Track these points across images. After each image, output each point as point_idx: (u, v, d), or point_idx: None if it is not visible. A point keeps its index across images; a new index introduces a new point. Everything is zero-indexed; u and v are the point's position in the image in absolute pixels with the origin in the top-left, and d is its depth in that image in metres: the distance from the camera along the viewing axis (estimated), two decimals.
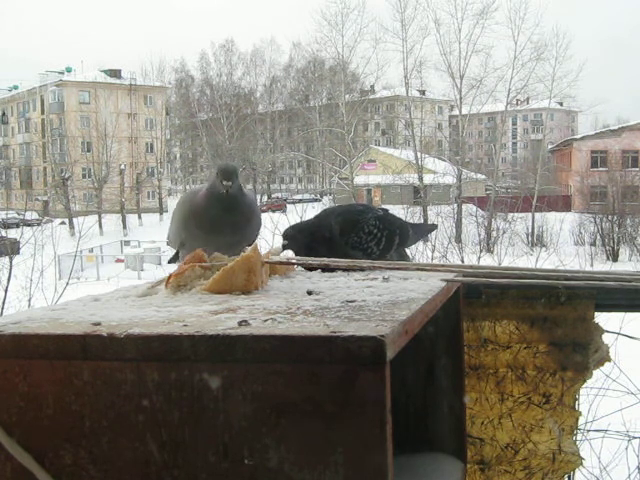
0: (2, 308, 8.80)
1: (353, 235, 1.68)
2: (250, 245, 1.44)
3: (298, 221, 1.81)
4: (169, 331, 0.86)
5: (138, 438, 0.85)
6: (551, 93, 38.73)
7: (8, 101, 62.82)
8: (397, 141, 53.69)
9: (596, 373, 1.66)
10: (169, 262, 1.74)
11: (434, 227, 2.75)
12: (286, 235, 1.66)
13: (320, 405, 0.80)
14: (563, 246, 21.88)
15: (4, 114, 62.95)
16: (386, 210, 1.86)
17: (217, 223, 1.39)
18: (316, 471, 0.81)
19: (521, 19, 37.99)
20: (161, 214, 48.13)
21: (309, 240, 1.65)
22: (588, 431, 2.05)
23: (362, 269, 1.47)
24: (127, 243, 34.69)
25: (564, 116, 64.16)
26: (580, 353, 1.60)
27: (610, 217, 27.60)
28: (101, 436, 0.87)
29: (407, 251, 1.98)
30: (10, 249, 11.27)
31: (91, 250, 28.00)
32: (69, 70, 57.39)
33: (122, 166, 48.15)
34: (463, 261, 12.97)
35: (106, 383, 0.86)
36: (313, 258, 1.51)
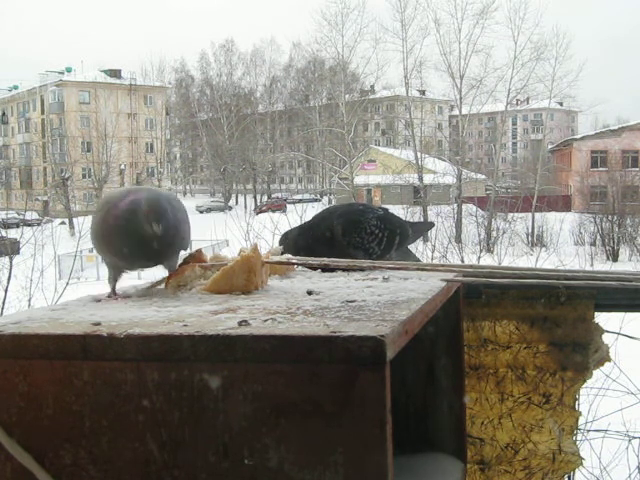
0: (2, 308, 8.80)
1: (355, 235, 1.68)
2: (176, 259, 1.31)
3: (294, 225, 1.79)
4: (169, 331, 0.86)
5: (138, 438, 0.85)
6: (551, 93, 38.75)
7: (8, 101, 62.89)
8: (397, 141, 53.72)
9: (596, 373, 1.66)
10: None
11: (431, 225, 2.76)
12: (281, 242, 1.66)
13: (320, 405, 0.80)
14: (563, 246, 21.88)
15: (4, 114, 63.00)
16: (386, 209, 1.87)
17: (134, 256, 1.22)
18: (316, 471, 0.81)
19: (521, 19, 38.04)
20: None
21: (309, 241, 1.65)
22: (588, 431, 2.05)
23: (362, 269, 1.47)
24: None
25: (564, 116, 64.22)
26: (580, 353, 1.60)
27: (610, 217, 27.58)
28: (101, 436, 0.87)
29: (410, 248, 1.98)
30: (10, 249, 11.28)
31: (91, 250, 27.90)
32: (69, 70, 57.46)
33: (122, 166, 48.19)
34: (463, 261, 12.97)
35: (106, 383, 0.86)
36: (313, 258, 1.51)
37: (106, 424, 0.86)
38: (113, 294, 1.23)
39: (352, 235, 1.68)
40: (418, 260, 2.05)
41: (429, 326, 1.37)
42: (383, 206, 2.06)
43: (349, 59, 42.56)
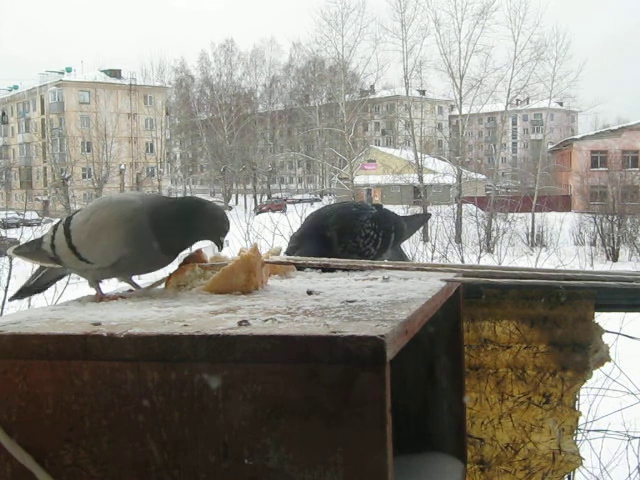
0: (2, 308, 8.80)
1: (350, 240, 1.68)
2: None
3: (294, 225, 1.78)
4: (169, 331, 0.86)
5: (138, 438, 0.85)
6: (551, 93, 38.70)
7: (8, 101, 62.89)
8: (397, 141, 53.66)
9: (596, 373, 1.66)
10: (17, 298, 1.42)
11: (428, 216, 2.71)
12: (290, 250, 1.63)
13: (320, 405, 0.80)
14: (563, 246, 21.81)
15: (4, 114, 63.00)
16: (380, 206, 1.86)
17: (176, 251, 1.28)
18: (316, 471, 0.81)
19: (521, 19, 37.92)
20: None
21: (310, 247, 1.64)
22: (588, 431, 2.05)
23: (362, 269, 1.47)
24: None
25: (564, 116, 64.17)
26: (580, 353, 1.60)
27: (610, 217, 27.53)
28: (101, 436, 0.87)
29: (407, 251, 1.98)
30: None
31: None
32: (69, 70, 57.48)
33: (122, 166, 48.12)
34: (463, 261, 12.96)
35: (106, 383, 0.86)
36: (313, 258, 1.51)
37: (106, 424, 0.86)
38: (101, 293, 1.23)
39: (347, 240, 1.68)
40: (408, 259, 2.04)
41: (429, 326, 1.37)
42: (377, 203, 2.04)
43: (349, 59, 42.51)
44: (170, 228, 1.23)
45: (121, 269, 1.26)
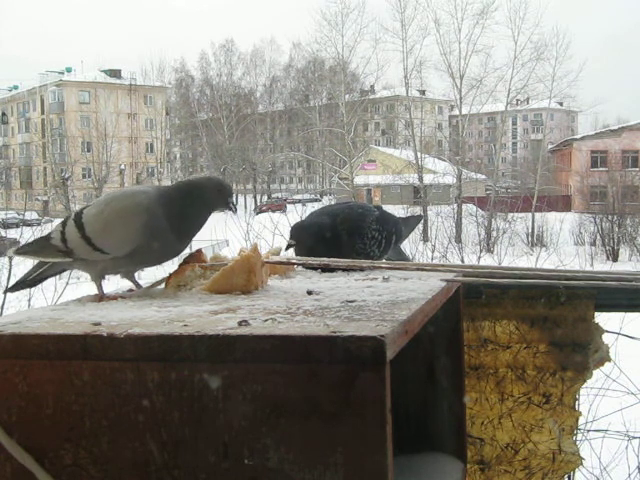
0: (2, 308, 8.80)
1: (359, 242, 1.68)
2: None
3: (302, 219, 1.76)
4: (169, 331, 0.86)
5: (138, 438, 0.85)
6: (551, 93, 38.71)
7: (8, 101, 62.89)
8: (397, 141, 53.64)
9: (596, 373, 1.66)
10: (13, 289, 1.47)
11: (420, 218, 2.75)
12: (293, 236, 1.62)
13: (320, 405, 0.80)
14: (563, 246, 21.79)
15: (4, 114, 63.00)
16: (380, 208, 1.87)
17: (190, 234, 1.30)
18: (316, 471, 0.81)
19: (521, 19, 37.95)
20: None
21: (313, 240, 1.64)
22: (588, 431, 2.05)
23: (362, 269, 1.47)
24: None
25: (564, 116, 64.14)
26: (580, 353, 1.60)
27: (610, 217, 27.53)
28: (101, 436, 0.87)
29: (407, 252, 1.98)
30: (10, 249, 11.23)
31: None
32: (69, 70, 57.48)
33: (122, 166, 48.10)
34: (463, 261, 12.96)
35: (106, 383, 0.86)
36: (313, 258, 1.51)
37: (106, 424, 0.86)
38: (101, 293, 1.23)
39: (357, 242, 1.68)
40: (408, 259, 2.05)
41: (429, 326, 1.37)
42: (377, 204, 2.05)
43: (349, 59, 42.47)
44: (181, 212, 1.26)
45: (135, 259, 1.27)
